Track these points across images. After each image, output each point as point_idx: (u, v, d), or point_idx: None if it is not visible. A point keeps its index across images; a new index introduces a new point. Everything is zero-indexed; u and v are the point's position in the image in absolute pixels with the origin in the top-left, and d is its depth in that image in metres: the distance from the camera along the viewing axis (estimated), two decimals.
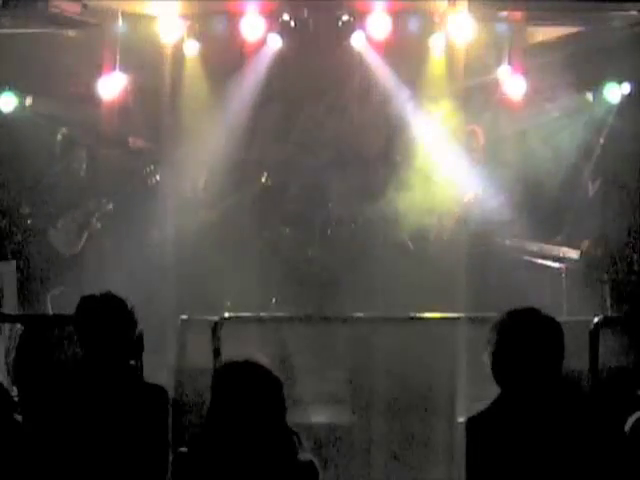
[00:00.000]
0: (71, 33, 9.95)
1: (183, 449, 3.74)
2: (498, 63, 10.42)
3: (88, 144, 9.57)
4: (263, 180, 10.83)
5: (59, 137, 9.15)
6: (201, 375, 5.85)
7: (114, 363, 4.15)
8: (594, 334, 5.93)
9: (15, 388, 7.03)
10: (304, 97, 11.32)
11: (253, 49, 10.32)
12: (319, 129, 11.11)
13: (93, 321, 4.18)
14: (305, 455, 3.71)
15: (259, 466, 3.61)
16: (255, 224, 10.09)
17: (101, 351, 4.14)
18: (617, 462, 3.59)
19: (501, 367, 3.75)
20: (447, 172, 9.95)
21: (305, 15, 10.17)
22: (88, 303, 4.27)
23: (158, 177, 10.03)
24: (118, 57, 10.02)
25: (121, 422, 4.08)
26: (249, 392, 3.65)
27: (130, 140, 10.77)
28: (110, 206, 9.08)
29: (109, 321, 4.17)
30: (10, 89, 10.12)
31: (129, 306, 4.25)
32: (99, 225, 9.07)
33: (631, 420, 3.76)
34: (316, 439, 6.79)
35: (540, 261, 9.38)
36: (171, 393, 4.36)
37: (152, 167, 10.06)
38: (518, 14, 9.75)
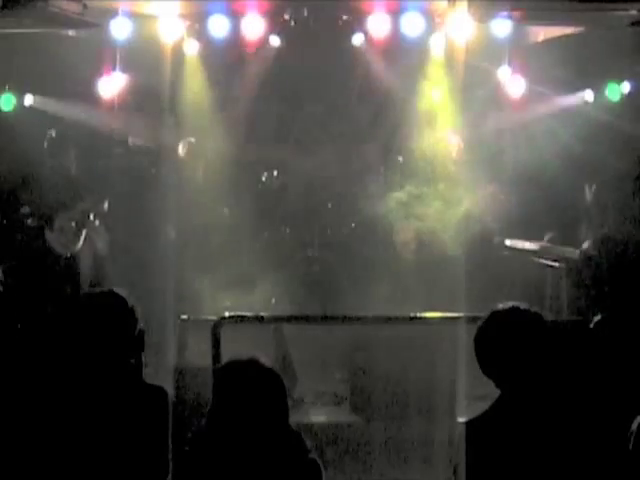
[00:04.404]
0: (71, 33, 9.94)
1: (185, 449, 3.73)
2: (498, 63, 10.42)
3: (86, 144, 9.56)
4: (263, 180, 10.84)
5: (48, 136, 9.13)
6: (201, 375, 5.86)
7: (114, 362, 4.13)
8: (594, 334, 5.93)
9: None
10: (304, 97, 11.33)
11: (253, 49, 10.32)
12: (319, 129, 11.12)
13: (93, 319, 4.15)
14: (308, 455, 3.70)
15: (262, 466, 3.60)
16: (255, 224, 10.09)
17: (100, 349, 4.11)
18: (621, 462, 3.58)
19: (490, 367, 3.76)
20: (447, 172, 9.96)
21: (305, 15, 10.17)
22: (88, 300, 4.24)
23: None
24: (118, 57, 10.03)
25: (120, 422, 4.07)
26: (253, 391, 3.64)
27: (130, 140, 10.77)
28: (105, 205, 9.07)
29: (109, 319, 4.14)
30: (10, 89, 10.12)
31: (130, 304, 4.20)
32: (97, 223, 9.06)
33: (638, 420, 3.72)
34: (316, 439, 6.80)
35: (540, 261, 9.38)
36: (171, 393, 4.34)
37: (145, 163, 10.04)
38: (518, 14, 9.74)
